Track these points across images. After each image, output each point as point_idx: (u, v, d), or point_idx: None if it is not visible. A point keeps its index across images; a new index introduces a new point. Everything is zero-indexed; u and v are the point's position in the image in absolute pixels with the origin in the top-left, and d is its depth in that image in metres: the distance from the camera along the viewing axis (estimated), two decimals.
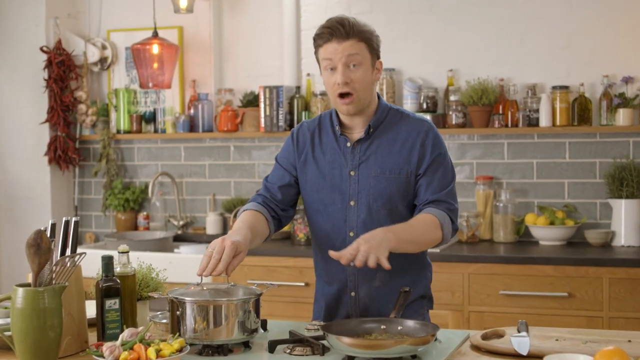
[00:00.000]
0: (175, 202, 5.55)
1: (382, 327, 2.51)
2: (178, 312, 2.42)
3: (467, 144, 4.97)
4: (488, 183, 4.87)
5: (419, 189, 2.82)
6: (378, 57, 2.83)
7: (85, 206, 5.80)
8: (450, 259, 4.42)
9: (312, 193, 2.91)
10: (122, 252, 2.55)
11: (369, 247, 2.49)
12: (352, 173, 2.84)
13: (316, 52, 2.82)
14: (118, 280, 2.48)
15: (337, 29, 2.72)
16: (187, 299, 2.42)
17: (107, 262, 2.46)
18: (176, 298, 2.43)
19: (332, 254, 2.55)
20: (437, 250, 4.45)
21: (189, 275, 4.93)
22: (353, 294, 2.89)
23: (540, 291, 4.25)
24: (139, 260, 2.74)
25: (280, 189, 2.93)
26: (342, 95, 2.77)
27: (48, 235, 2.41)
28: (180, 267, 4.87)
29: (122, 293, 2.49)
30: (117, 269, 2.54)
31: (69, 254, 2.45)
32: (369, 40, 2.76)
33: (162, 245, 5.20)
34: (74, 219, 2.50)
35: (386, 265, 2.48)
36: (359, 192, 2.83)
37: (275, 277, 4.66)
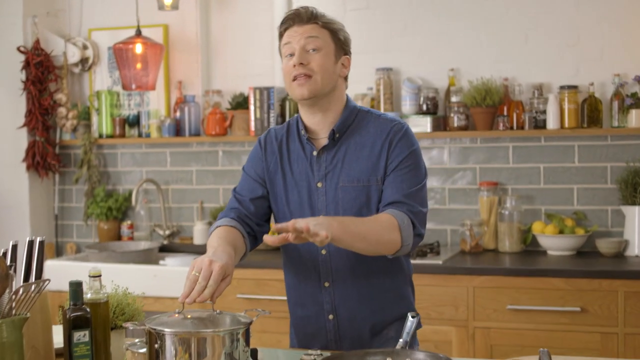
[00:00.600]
0: (161, 210, 5.28)
1: (387, 359, 2.23)
2: (157, 345, 2.12)
3: (470, 148, 4.70)
4: (492, 189, 4.61)
5: (383, 191, 2.58)
6: (346, 54, 2.64)
7: (66, 215, 5.53)
8: (453, 271, 4.15)
9: (282, 207, 2.67)
10: (94, 276, 2.26)
11: (307, 222, 2.25)
12: (319, 185, 2.62)
13: (279, 43, 2.65)
14: (88, 309, 2.18)
15: (299, 14, 2.59)
16: (166, 330, 2.11)
17: (75, 289, 2.17)
18: (154, 329, 2.13)
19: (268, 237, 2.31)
20: (430, 261, 4.18)
21: (174, 289, 4.69)
22: (331, 317, 2.65)
23: (551, 305, 3.98)
24: (114, 284, 2.43)
25: (252, 201, 2.68)
26: (296, 77, 2.57)
27: (9, 258, 2.12)
28: (166, 280, 4.61)
29: (93, 323, 2.19)
30: (88, 295, 2.24)
31: (34, 279, 2.15)
32: (333, 30, 2.60)
33: (146, 257, 4.93)
34: (38, 239, 2.21)
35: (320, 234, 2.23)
36: (327, 206, 2.61)
37: (265, 291, 4.40)
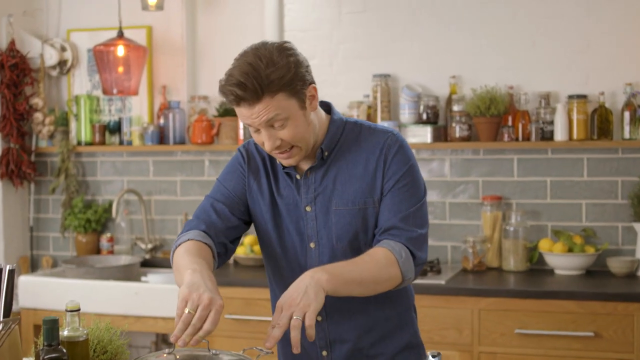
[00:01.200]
0: (143, 222, 5.00)
1: None
2: None
3: (473, 160, 4.44)
4: (496, 204, 4.35)
5: (379, 214, 2.32)
6: (310, 84, 2.23)
7: (42, 227, 5.23)
8: (457, 292, 3.89)
9: (267, 233, 2.39)
10: (71, 311, 1.97)
11: (290, 304, 2.01)
12: (308, 209, 2.34)
13: None
14: (64, 350, 1.90)
15: (241, 94, 2.13)
16: None
17: (51, 327, 1.88)
18: None
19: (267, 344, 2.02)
20: (431, 281, 3.92)
21: (157, 308, 4.42)
22: (325, 353, 2.40)
23: (562, 330, 3.73)
24: (94, 324, 2.13)
25: (232, 211, 2.38)
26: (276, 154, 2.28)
27: None
28: (148, 298, 4.35)
29: None
30: (65, 332, 1.96)
31: (2, 317, 1.88)
32: (287, 87, 2.16)
33: (127, 273, 4.64)
34: (8, 267, 1.93)
35: (309, 331, 1.97)
36: (318, 232, 2.34)
37: (255, 311, 4.14)
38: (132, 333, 4.83)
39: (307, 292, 2.02)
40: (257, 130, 2.21)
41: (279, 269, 2.41)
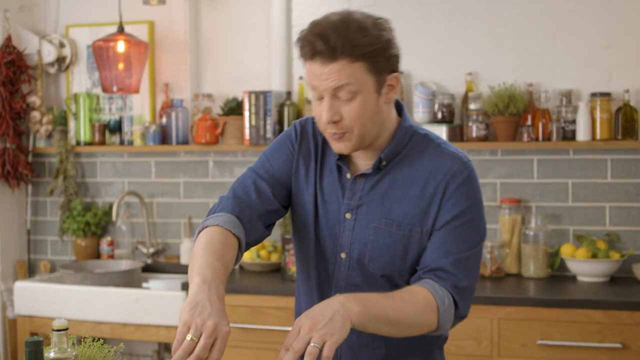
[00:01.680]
0: (145, 226, 4.80)
1: None
2: None
3: (490, 161, 4.24)
4: (515, 207, 4.15)
5: (426, 249, 2.07)
6: (392, 71, 2.02)
7: (40, 230, 5.04)
8: (475, 301, 3.58)
9: (306, 227, 2.17)
10: (58, 330, 1.76)
11: (311, 327, 1.77)
12: (347, 216, 2.11)
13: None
14: None
15: (319, 46, 1.94)
16: None
17: (33, 349, 1.67)
18: None
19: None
20: None
21: (158, 316, 4.21)
22: None
23: (587, 341, 3.52)
24: (86, 343, 1.92)
25: (274, 193, 2.15)
26: (330, 133, 2.03)
27: None
28: (149, 306, 4.17)
29: None
30: (51, 354, 1.75)
31: None
32: (369, 58, 1.95)
33: (128, 279, 4.44)
34: None
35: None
36: (351, 244, 2.11)
37: (262, 320, 3.95)
38: (133, 342, 4.64)
39: (333, 319, 1.79)
40: (320, 98, 1.99)
41: (307, 269, 2.19)
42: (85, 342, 1.86)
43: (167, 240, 4.83)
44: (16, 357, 4.55)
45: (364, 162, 2.13)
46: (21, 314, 4.41)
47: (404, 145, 2.10)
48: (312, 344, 1.74)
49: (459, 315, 2.07)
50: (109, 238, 4.86)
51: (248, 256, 4.41)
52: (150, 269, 4.72)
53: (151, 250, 4.77)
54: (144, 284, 4.42)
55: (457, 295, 2.03)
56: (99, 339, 1.89)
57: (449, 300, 2.01)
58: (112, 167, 4.93)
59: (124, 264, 4.69)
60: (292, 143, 2.18)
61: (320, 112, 2.00)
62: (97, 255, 4.88)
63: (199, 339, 1.69)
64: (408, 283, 2.10)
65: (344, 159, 2.12)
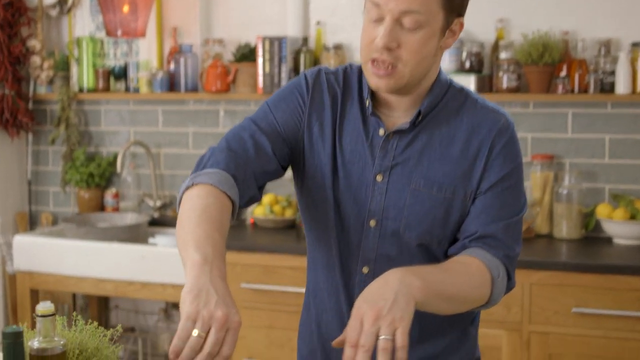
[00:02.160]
0: (151, 177, 4.56)
1: None
2: None
3: (522, 114, 3.97)
4: (547, 164, 3.89)
5: (469, 215, 1.86)
6: (460, 15, 1.81)
7: (41, 180, 4.81)
8: None
9: (322, 191, 1.89)
10: (43, 316, 1.49)
11: (376, 316, 1.52)
12: (378, 178, 1.86)
13: None
14: None
15: None
16: None
17: (12, 342, 1.41)
18: None
19: (334, 343, 1.59)
20: None
21: (165, 273, 3.98)
22: None
23: (626, 309, 3.28)
24: (78, 327, 1.67)
25: (275, 150, 1.86)
26: (376, 62, 1.76)
27: None
28: (155, 263, 3.96)
29: None
30: (35, 343, 1.49)
31: None
32: None
33: (133, 234, 4.22)
34: None
35: (401, 354, 1.51)
36: (384, 210, 1.86)
37: (275, 280, 3.72)
38: (139, 300, 4.43)
39: (397, 300, 1.55)
40: (379, 20, 1.75)
41: (325, 240, 1.92)
42: (76, 325, 1.61)
43: (174, 193, 4.59)
44: (16, 313, 4.34)
45: (398, 114, 1.87)
46: (21, 270, 4.19)
47: (440, 99, 1.87)
48: (382, 337, 1.50)
49: (510, 286, 1.87)
50: (113, 190, 4.62)
51: (260, 211, 4.17)
52: (157, 223, 4.49)
53: (158, 203, 4.53)
54: (150, 240, 4.20)
55: (510, 265, 1.84)
56: (92, 322, 1.64)
57: (503, 272, 1.81)
58: (117, 115, 4.67)
59: (129, 218, 4.47)
60: (301, 95, 1.90)
61: (374, 36, 1.75)
62: (101, 208, 4.65)
63: (207, 334, 1.43)
64: (445, 253, 1.87)
65: (376, 113, 1.87)
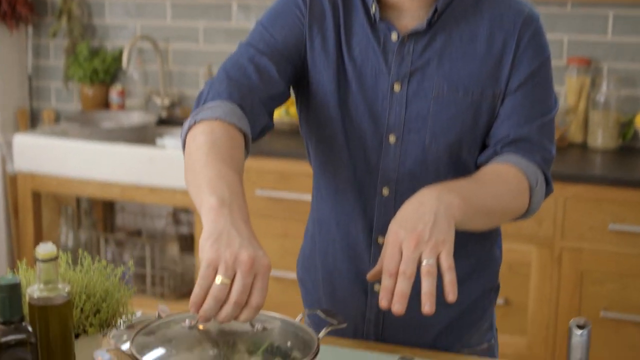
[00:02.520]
0: (159, 74, 4.30)
1: None
2: None
3: (557, 15, 3.68)
4: (584, 68, 3.61)
5: (499, 117, 1.66)
6: None
7: (42, 75, 4.55)
8: None
9: (326, 109, 1.67)
10: (44, 260, 1.26)
11: (417, 241, 1.35)
12: (396, 88, 1.64)
13: None
14: (30, 329, 1.22)
15: None
16: None
17: (8, 295, 1.19)
18: None
19: (369, 276, 1.46)
20: None
21: (174, 177, 3.78)
22: (377, 287, 1.70)
23: None
24: (86, 266, 1.44)
25: (279, 71, 1.64)
26: None
27: None
28: (164, 166, 3.75)
29: (43, 344, 1.24)
30: (35, 292, 1.26)
31: None
32: None
33: (140, 135, 4.00)
34: None
35: (450, 276, 1.35)
36: (406, 123, 1.64)
37: (291, 187, 3.52)
38: (146, 205, 4.24)
39: (437, 222, 1.38)
40: None
41: (336, 163, 1.70)
42: (82, 264, 1.39)
43: (184, 90, 4.34)
44: (17, 214, 4.15)
45: (408, 17, 1.65)
46: (22, 171, 3.98)
47: None
48: (425, 263, 1.35)
49: (548, 192, 1.70)
50: (119, 87, 4.37)
51: (276, 114, 3.92)
52: (165, 123, 4.26)
53: (166, 101, 4.29)
54: (158, 141, 3.97)
55: (547, 169, 1.68)
56: (100, 260, 1.42)
57: (541, 178, 1.66)
58: (123, 7, 4.38)
59: (136, 117, 4.23)
60: (298, 7, 1.67)
61: None
62: (106, 105, 4.41)
63: (232, 281, 1.22)
64: (476, 164, 1.68)
65: (385, 18, 1.64)
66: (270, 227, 3.55)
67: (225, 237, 1.24)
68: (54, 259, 1.24)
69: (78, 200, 4.23)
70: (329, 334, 1.37)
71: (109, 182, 3.83)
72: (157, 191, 3.76)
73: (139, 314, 1.73)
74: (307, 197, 3.39)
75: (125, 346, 1.23)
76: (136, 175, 3.79)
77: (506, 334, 3.23)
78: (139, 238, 4.21)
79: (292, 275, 3.34)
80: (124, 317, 1.40)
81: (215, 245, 1.23)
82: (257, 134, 1.61)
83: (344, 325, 1.36)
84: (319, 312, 1.38)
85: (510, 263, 3.22)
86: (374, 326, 1.73)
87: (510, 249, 3.18)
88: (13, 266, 4.17)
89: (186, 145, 1.50)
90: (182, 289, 4.05)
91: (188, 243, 4.10)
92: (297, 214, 3.51)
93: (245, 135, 1.51)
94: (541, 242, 3.22)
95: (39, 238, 4.10)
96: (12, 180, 4.17)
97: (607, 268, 3.17)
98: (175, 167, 3.69)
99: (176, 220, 4.23)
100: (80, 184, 3.89)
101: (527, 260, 3.25)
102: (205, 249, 1.24)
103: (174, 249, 4.14)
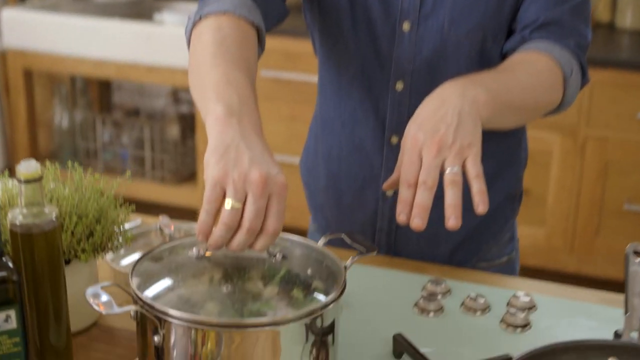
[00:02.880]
0: None
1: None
2: (158, 336, 1.03)
3: None
4: None
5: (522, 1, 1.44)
6: None
7: None
8: None
9: (337, 24, 1.47)
10: (28, 181, 1.06)
11: (439, 146, 1.16)
12: (405, 27, 1.45)
13: None
14: (11, 265, 1.04)
15: None
16: (174, 318, 1.00)
17: None
18: (152, 307, 1.02)
19: (385, 186, 1.26)
20: None
21: (173, 55, 3.57)
22: (390, 193, 1.52)
23: None
24: (76, 179, 1.24)
25: None
26: None
27: None
28: (163, 44, 3.54)
29: (29, 279, 1.06)
30: (18, 218, 1.07)
31: None
32: None
33: (137, 9, 3.80)
34: None
35: (478, 184, 1.16)
36: (421, 7, 1.43)
37: (297, 67, 3.35)
38: (144, 85, 4.04)
39: (461, 123, 1.18)
40: None
41: (339, 57, 1.50)
42: (73, 177, 1.20)
43: None
44: (8, 93, 3.95)
45: None
46: (12, 48, 3.76)
47: None
48: (449, 171, 1.15)
49: (584, 82, 1.48)
50: None
51: None
52: None
53: None
54: (156, 16, 3.75)
55: (583, 56, 1.44)
56: (93, 173, 1.24)
57: (576, 66, 1.42)
58: None
59: None
60: None
61: None
62: None
63: (244, 204, 1.04)
64: (501, 54, 1.47)
65: None
66: (276, 110, 3.37)
67: (233, 152, 1.04)
68: (38, 179, 1.05)
69: (72, 79, 4.02)
70: (337, 245, 1.20)
71: (104, 60, 3.63)
72: (156, 70, 3.57)
73: (138, 221, 1.56)
74: (315, 78, 3.20)
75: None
76: (133, 53, 3.59)
77: (524, 225, 3.08)
78: (137, 119, 4.02)
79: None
80: (120, 238, 1.22)
81: (222, 161, 1.03)
82: (272, 24, 1.41)
83: (374, 252, 1.17)
84: (344, 237, 1.20)
85: (530, 151, 3.02)
86: (386, 235, 1.55)
87: (531, 137, 2.98)
88: (7, 148, 4.00)
89: (191, 45, 1.29)
90: (183, 172, 3.89)
91: (189, 123, 3.91)
92: (305, 95, 3.34)
93: (258, 29, 1.31)
94: (564, 130, 3.05)
95: (32, 119, 3.92)
96: (2, 58, 3.95)
97: (634, 158, 3.00)
98: (174, 44, 3.49)
99: (176, 100, 4.03)
100: (74, 62, 3.68)
101: (549, 148, 3.09)
102: (210, 165, 1.04)
103: (174, 130, 3.95)
